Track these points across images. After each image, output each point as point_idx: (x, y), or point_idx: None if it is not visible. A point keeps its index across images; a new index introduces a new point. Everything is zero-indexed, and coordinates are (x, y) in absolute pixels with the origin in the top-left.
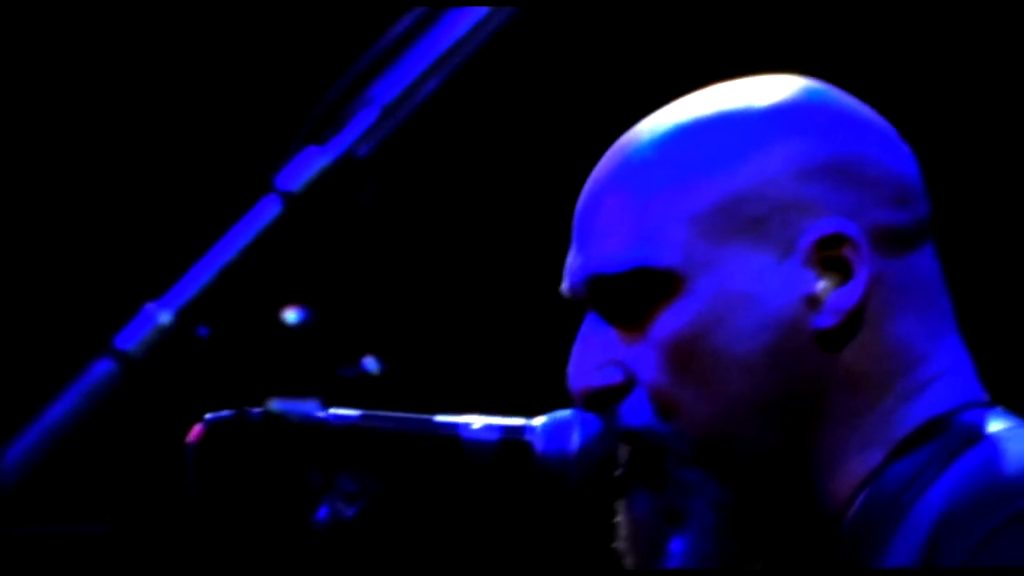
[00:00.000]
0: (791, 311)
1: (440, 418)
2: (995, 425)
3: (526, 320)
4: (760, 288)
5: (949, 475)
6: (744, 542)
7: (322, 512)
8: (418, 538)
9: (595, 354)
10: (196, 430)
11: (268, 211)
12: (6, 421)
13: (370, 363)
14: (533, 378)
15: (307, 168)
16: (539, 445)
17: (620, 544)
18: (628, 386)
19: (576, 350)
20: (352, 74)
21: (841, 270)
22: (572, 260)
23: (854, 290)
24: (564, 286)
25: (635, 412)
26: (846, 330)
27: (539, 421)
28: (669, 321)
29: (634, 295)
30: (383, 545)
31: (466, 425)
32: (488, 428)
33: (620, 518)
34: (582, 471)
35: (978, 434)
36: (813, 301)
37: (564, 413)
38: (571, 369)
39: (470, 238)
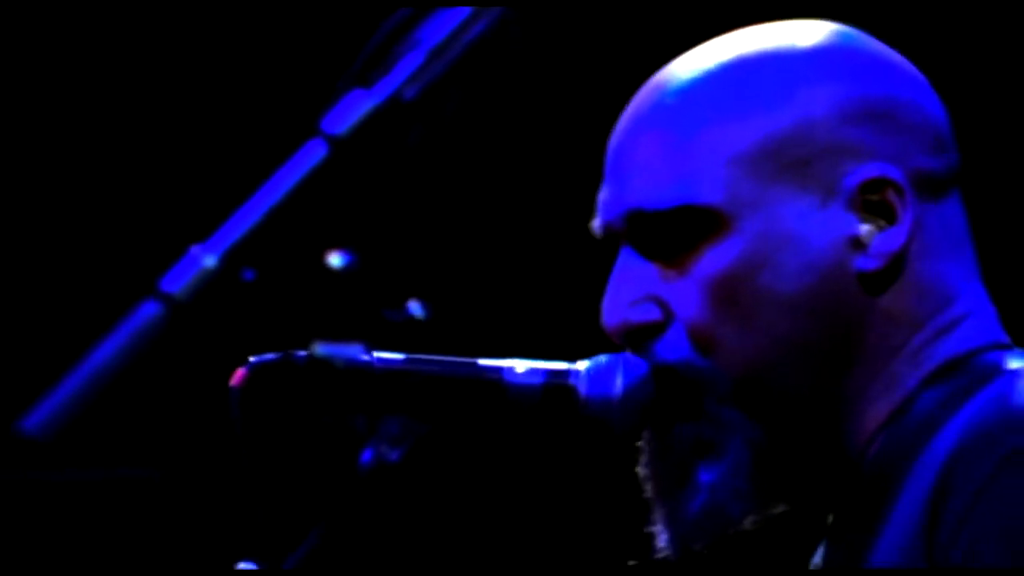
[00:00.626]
0: (835, 253)
1: (484, 362)
2: (1014, 363)
3: (572, 263)
4: (805, 229)
5: (964, 412)
6: (772, 480)
7: (366, 455)
8: (462, 481)
9: (632, 289)
10: (240, 373)
11: (314, 154)
12: (55, 363)
13: (415, 307)
14: (578, 321)
15: (353, 111)
16: (583, 389)
17: (644, 469)
18: (665, 322)
19: (612, 285)
20: (398, 17)
21: (884, 214)
22: (607, 195)
23: (899, 234)
24: (597, 222)
25: (673, 347)
26: (888, 273)
27: (583, 365)
28: (713, 259)
29: (676, 232)
30: (427, 488)
31: (510, 369)
32: (532, 372)
33: (646, 445)
34: (626, 415)
35: (996, 371)
36: (857, 243)
37: (608, 357)
38: (607, 304)
39: (516, 181)
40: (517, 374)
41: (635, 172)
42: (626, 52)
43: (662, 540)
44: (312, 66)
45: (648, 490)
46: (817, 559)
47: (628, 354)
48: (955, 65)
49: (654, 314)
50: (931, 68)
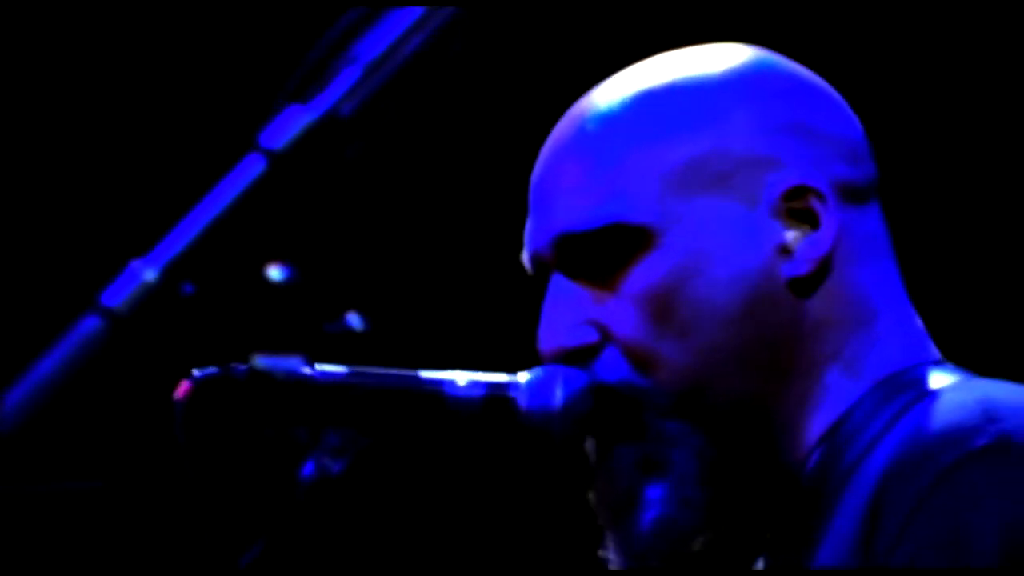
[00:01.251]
0: (764, 261)
1: (425, 374)
2: (942, 380)
3: (510, 275)
4: (732, 240)
5: (898, 428)
6: (720, 490)
7: (308, 468)
8: (404, 493)
9: (566, 315)
10: (184, 386)
11: (252, 169)
12: None
13: (354, 319)
14: (516, 334)
15: (291, 126)
16: (523, 401)
17: (593, 496)
18: (602, 343)
19: (545, 312)
20: (335, 32)
21: (808, 220)
22: (534, 225)
23: (824, 238)
24: (525, 254)
25: (611, 368)
26: (815, 278)
27: (523, 377)
28: (644, 275)
29: (605, 252)
30: (369, 501)
31: (451, 381)
32: (473, 384)
33: (594, 470)
34: (566, 426)
35: (925, 390)
36: (784, 250)
37: (547, 369)
38: (542, 332)
39: (453, 194)
40: (458, 386)
41: (560, 197)
42: (561, 69)
43: (614, 564)
44: (250, 81)
45: (599, 518)
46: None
47: (567, 367)
48: (871, 82)
49: (590, 336)
50: (850, 85)
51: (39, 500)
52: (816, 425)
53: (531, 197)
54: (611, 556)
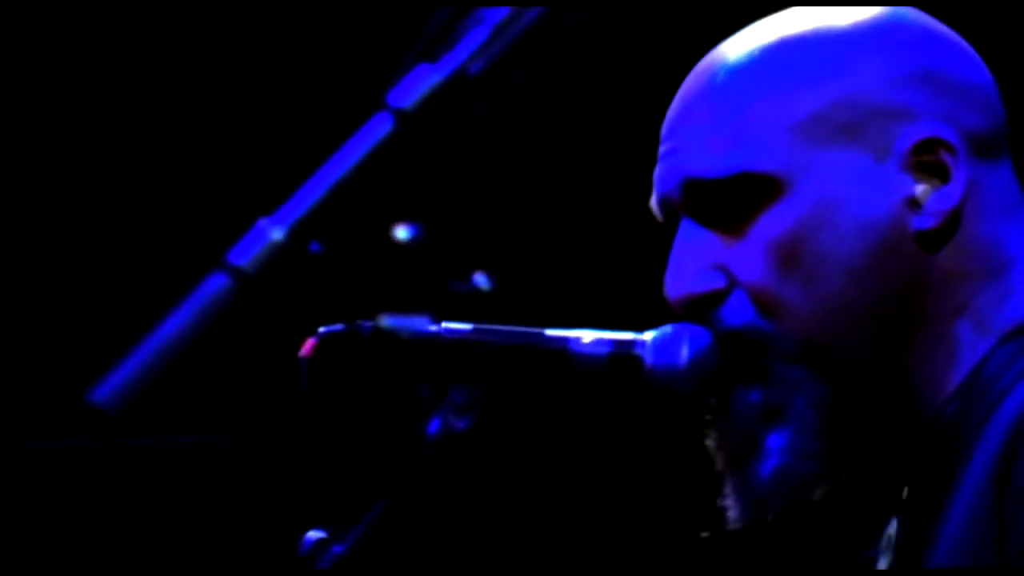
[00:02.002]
0: (891, 213)
1: (550, 332)
2: None
3: (638, 234)
4: (860, 191)
5: None
6: (842, 441)
7: (434, 425)
8: (529, 451)
9: (694, 260)
10: (309, 344)
11: (380, 128)
12: (126, 335)
13: (481, 278)
14: (644, 292)
15: (419, 85)
16: (649, 359)
17: (712, 442)
18: (728, 289)
19: (673, 258)
20: None
21: (938, 173)
22: (662, 169)
23: (953, 192)
24: (654, 197)
25: (737, 312)
26: (944, 232)
27: (649, 335)
28: (772, 223)
29: (734, 199)
30: (494, 458)
31: (576, 339)
32: (598, 342)
33: (714, 416)
34: (691, 384)
35: None
36: (913, 203)
37: (673, 327)
38: (669, 277)
39: (581, 154)
40: (583, 344)
41: (690, 144)
42: (687, 30)
43: (733, 512)
44: (379, 41)
45: (718, 462)
46: (891, 529)
47: (693, 324)
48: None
49: (717, 282)
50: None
51: (170, 454)
52: (949, 378)
53: (661, 143)
54: (728, 503)
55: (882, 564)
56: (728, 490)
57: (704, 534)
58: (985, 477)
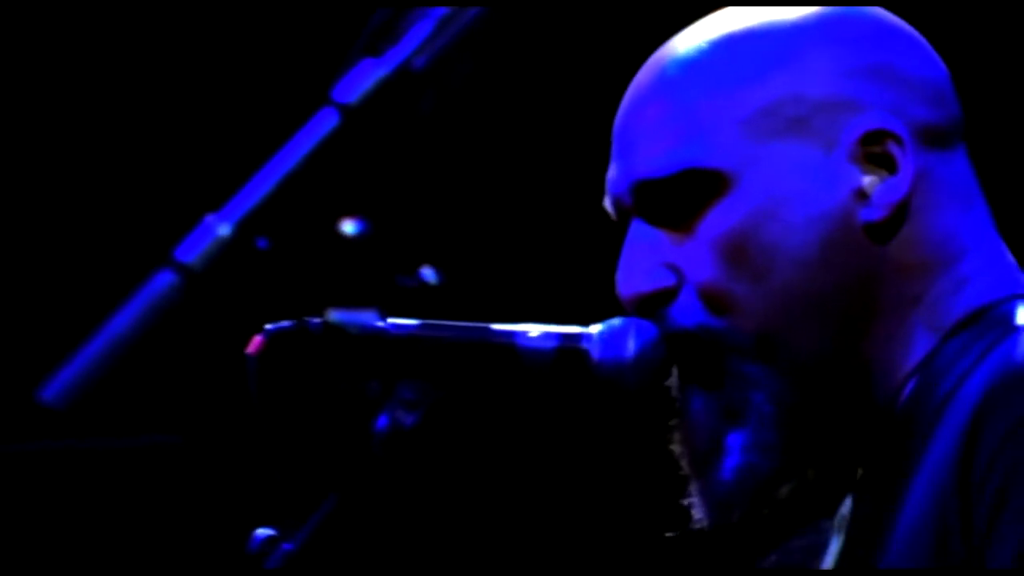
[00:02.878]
0: (840, 205)
1: (497, 327)
2: None
3: (582, 227)
4: (808, 184)
5: (988, 361)
6: (800, 434)
7: (382, 421)
8: (476, 446)
9: (644, 259)
10: (256, 340)
11: (326, 123)
12: (71, 334)
13: (428, 273)
14: (589, 285)
15: (364, 80)
16: (595, 352)
17: (676, 446)
18: (678, 287)
19: (624, 257)
20: None
21: (886, 165)
22: (614, 171)
23: (901, 183)
24: (607, 199)
25: (688, 312)
26: (893, 223)
27: (595, 329)
28: (720, 219)
29: (682, 197)
30: (441, 453)
31: (523, 333)
32: (545, 336)
33: (675, 420)
34: (638, 377)
35: (1015, 324)
36: (861, 195)
37: (620, 320)
38: (620, 276)
39: (525, 147)
40: (530, 338)
41: (638, 144)
42: (638, 22)
43: (699, 513)
44: (323, 36)
45: (683, 466)
46: (844, 511)
47: (639, 318)
48: (958, 24)
49: (667, 280)
50: (936, 28)
51: (117, 455)
52: (904, 362)
53: (613, 141)
54: (694, 504)
55: (834, 544)
56: (693, 492)
57: (669, 534)
58: (946, 457)
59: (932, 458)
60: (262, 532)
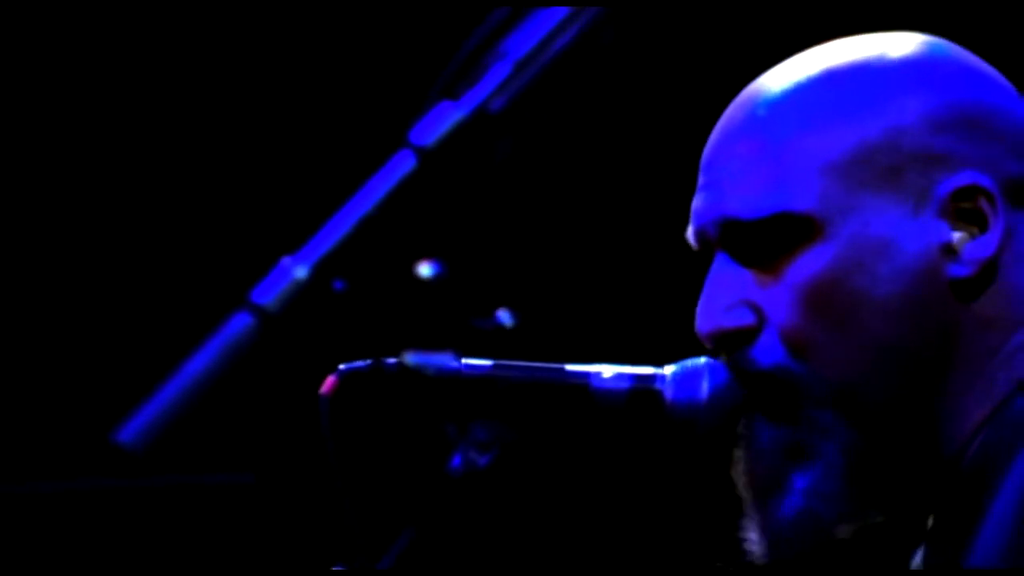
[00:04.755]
0: (928, 259)
1: (571, 367)
2: None
3: (656, 270)
4: (897, 236)
5: None
6: (867, 485)
7: (456, 461)
8: (550, 486)
9: (725, 295)
10: (329, 381)
11: (403, 165)
12: (149, 375)
13: (504, 315)
14: (664, 327)
15: (441, 123)
16: (669, 393)
17: (738, 476)
18: (759, 328)
19: (706, 292)
20: (486, 28)
21: (975, 221)
22: (700, 203)
23: (990, 241)
24: (690, 230)
25: (767, 352)
26: (980, 279)
27: (669, 370)
28: (807, 265)
29: (770, 239)
30: (516, 493)
31: (597, 374)
32: (619, 377)
33: (740, 451)
34: (712, 419)
35: None
36: (949, 250)
37: (694, 361)
38: (700, 311)
39: (601, 191)
40: (603, 379)
41: (728, 181)
42: (718, 63)
43: (755, 546)
44: (400, 78)
45: (742, 493)
46: (916, 560)
47: (712, 359)
48: None
49: (748, 319)
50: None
51: (190, 493)
52: (975, 413)
53: (700, 174)
54: (751, 537)
55: None
56: (751, 523)
57: (719, 564)
58: (1012, 510)
59: (998, 512)
60: (335, 571)
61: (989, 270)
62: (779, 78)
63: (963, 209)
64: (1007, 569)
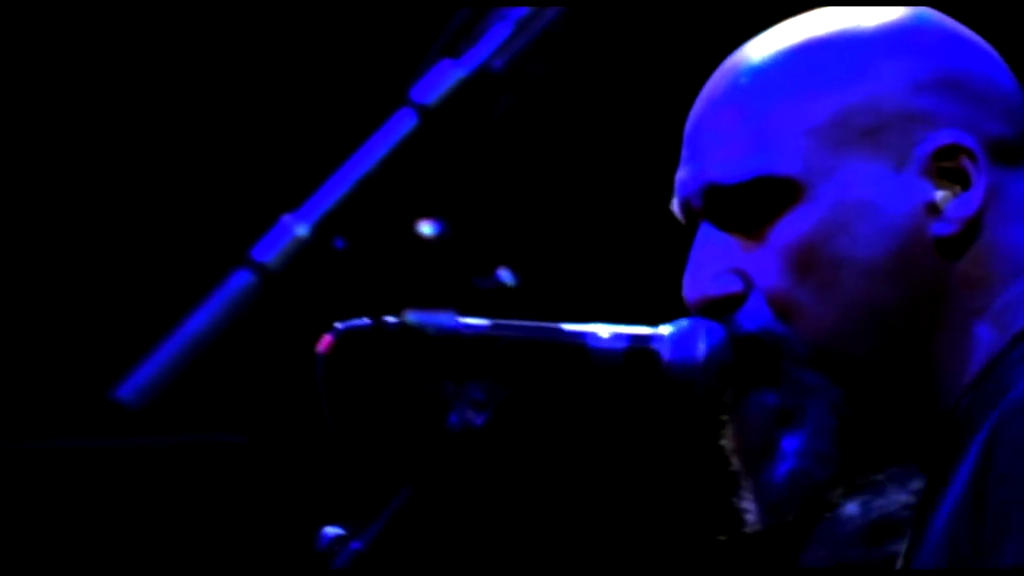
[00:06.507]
0: (910, 218)
1: (568, 327)
2: None
3: (656, 230)
4: (879, 196)
5: None
6: (857, 443)
7: (452, 419)
8: (546, 445)
9: (712, 263)
10: (326, 340)
11: (404, 124)
12: (148, 332)
13: (504, 274)
14: (661, 287)
15: (442, 81)
16: (666, 353)
17: (728, 443)
18: (745, 293)
19: (692, 260)
20: None
21: (958, 180)
22: (684, 173)
23: (973, 198)
24: (675, 201)
25: (753, 316)
26: (964, 237)
27: (666, 330)
28: (790, 228)
29: (753, 203)
30: (512, 452)
31: (594, 334)
32: (616, 337)
33: (730, 417)
34: (708, 378)
35: None
36: (933, 209)
37: (689, 322)
38: (688, 279)
39: (602, 149)
40: (601, 339)
41: (710, 148)
42: (708, 29)
43: (750, 512)
44: (401, 37)
45: (734, 463)
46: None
47: (709, 320)
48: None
49: (735, 285)
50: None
51: (185, 453)
52: (965, 372)
53: (683, 146)
54: (746, 504)
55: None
56: (744, 490)
57: (722, 537)
58: (971, 468)
59: (964, 469)
60: (331, 531)
61: (973, 228)
62: (761, 47)
63: (945, 168)
64: (1007, 569)
